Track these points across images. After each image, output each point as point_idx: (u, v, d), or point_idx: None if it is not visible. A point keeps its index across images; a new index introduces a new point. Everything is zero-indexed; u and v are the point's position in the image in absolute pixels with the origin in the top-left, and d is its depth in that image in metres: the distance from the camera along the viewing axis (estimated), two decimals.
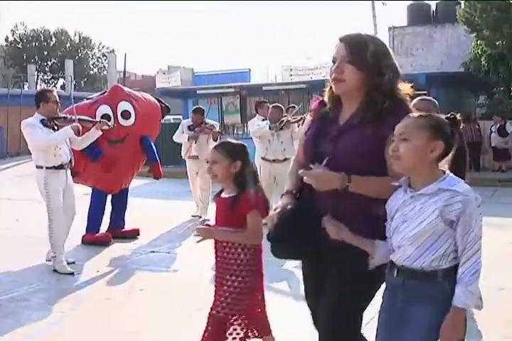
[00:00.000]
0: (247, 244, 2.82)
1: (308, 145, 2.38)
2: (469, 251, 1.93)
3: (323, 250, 2.26)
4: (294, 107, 8.51)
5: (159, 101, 7.21)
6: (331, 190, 2.14)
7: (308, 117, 2.53)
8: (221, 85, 16.31)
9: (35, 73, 37.99)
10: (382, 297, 2.14)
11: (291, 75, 22.59)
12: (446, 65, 20.36)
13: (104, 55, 43.81)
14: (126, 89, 7.00)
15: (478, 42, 16.97)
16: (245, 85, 16.64)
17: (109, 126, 6.01)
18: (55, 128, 5.38)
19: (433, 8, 24.04)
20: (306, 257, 2.41)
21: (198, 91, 16.53)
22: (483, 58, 16.83)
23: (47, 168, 5.25)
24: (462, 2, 17.30)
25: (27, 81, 34.55)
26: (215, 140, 7.60)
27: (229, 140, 3.03)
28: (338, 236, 2.14)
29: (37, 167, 5.31)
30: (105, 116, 6.38)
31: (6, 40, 42.71)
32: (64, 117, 5.49)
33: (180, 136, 8.13)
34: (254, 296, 2.90)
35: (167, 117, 9.26)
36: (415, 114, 2.06)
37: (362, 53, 2.21)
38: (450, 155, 2.05)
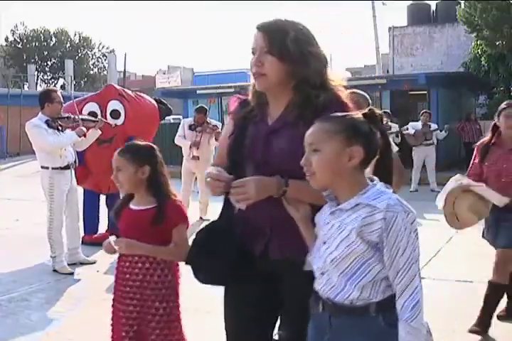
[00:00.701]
0: (167, 262, 2.46)
1: (233, 150, 2.06)
2: (404, 279, 1.60)
3: (267, 270, 2.00)
4: None
5: (161, 102, 7.17)
6: (265, 200, 1.86)
7: (229, 120, 2.22)
8: (221, 85, 16.31)
9: (35, 73, 37.99)
10: (307, 333, 1.82)
11: None
12: (446, 64, 20.34)
13: (104, 55, 43.81)
14: (120, 88, 6.99)
15: (478, 42, 16.96)
16: (245, 85, 16.58)
17: (110, 124, 6.02)
18: (59, 128, 5.39)
19: (433, 8, 24.02)
20: (239, 281, 2.05)
21: (198, 91, 16.54)
22: (483, 58, 16.82)
23: (53, 168, 5.27)
24: (462, 2, 17.29)
25: (27, 81, 34.53)
26: (217, 140, 7.59)
27: (134, 142, 2.64)
28: (296, 212, 1.86)
29: (42, 167, 5.33)
30: (91, 114, 6.36)
31: (6, 40, 42.74)
32: (67, 117, 5.49)
33: (183, 143, 8.08)
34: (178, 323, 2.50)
35: (167, 117, 9.27)
36: (323, 117, 1.74)
37: (282, 42, 1.92)
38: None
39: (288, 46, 1.92)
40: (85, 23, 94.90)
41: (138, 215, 2.47)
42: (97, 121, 5.82)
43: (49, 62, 43.40)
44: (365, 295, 1.64)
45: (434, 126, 11.31)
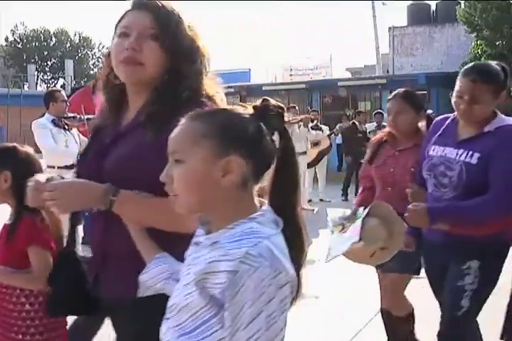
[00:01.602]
0: (33, 290, 2.03)
1: (78, 165, 1.66)
2: None
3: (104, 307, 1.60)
4: (294, 107, 8.56)
5: None
6: (98, 216, 1.49)
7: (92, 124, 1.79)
8: (221, 85, 16.32)
9: (35, 73, 38.09)
10: None
11: (291, 75, 22.54)
12: (446, 64, 20.36)
13: (104, 55, 43.90)
14: None
15: (478, 42, 17.01)
16: (245, 85, 16.66)
17: None
18: (65, 127, 5.54)
19: (433, 8, 24.08)
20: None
21: None
22: (483, 58, 16.85)
23: (59, 167, 5.41)
24: (462, 2, 17.36)
25: (27, 81, 34.63)
26: None
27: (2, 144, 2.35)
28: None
29: (48, 167, 5.45)
30: None
31: (6, 40, 42.87)
32: (73, 117, 5.66)
33: None
34: None
35: None
36: (193, 114, 1.20)
37: (176, 28, 1.48)
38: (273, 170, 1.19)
39: (181, 35, 1.49)
40: (85, 23, 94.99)
41: (3, 230, 2.12)
42: None
43: (49, 62, 43.51)
44: None
45: None
